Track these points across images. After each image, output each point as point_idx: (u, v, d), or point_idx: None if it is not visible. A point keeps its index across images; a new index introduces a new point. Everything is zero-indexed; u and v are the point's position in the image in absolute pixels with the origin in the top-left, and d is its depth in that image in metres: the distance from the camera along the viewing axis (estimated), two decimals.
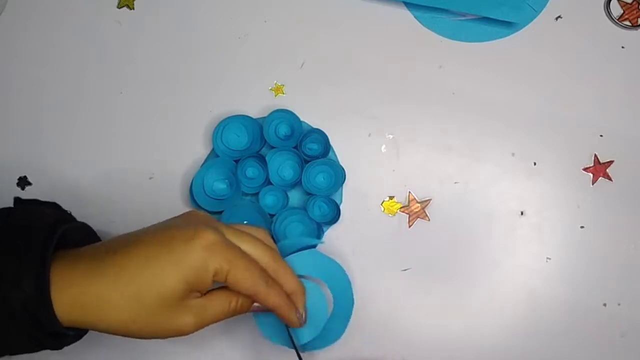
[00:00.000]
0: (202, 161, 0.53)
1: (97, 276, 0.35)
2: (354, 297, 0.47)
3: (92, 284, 0.35)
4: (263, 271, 0.40)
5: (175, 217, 0.41)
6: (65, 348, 0.38)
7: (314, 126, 0.53)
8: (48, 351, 0.37)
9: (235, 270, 0.38)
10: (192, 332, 0.38)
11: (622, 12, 0.55)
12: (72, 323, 0.35)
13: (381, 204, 0.52)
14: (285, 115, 0.52)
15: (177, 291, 0.36)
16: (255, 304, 0.41)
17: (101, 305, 0.35)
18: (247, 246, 0.40)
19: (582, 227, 0.52)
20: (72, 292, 0.35)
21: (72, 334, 0.37)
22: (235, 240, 0.39)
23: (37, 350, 0.37)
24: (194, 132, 0.54)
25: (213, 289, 0.39)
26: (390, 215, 0.52)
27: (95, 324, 0.36)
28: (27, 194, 0.53)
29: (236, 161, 0.51)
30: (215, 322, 0.39)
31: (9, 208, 0.39)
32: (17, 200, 0.41)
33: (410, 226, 0.52)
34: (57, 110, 0.55)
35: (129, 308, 0.35)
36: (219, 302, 0.39)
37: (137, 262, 0.36)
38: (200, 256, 0.36)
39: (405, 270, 0.51)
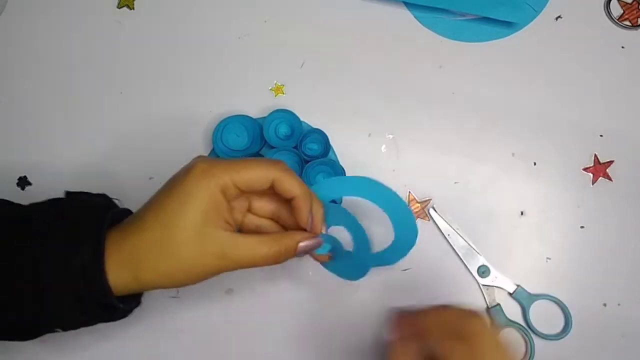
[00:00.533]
0: None
1: (132, 243, 0.38)
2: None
3: (132, 250, 0.38)
4: (270, 161, 0.41)
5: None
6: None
7: (314, 126, 0.53)
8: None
9: (239, 175, 0.39)
10: (229, 268, 0.39)
11: (622, 12, 0.55)
12: (125, 288, 0.38)
13: None
14: (285, 115, 0.52)
15: (198, 224, 0.38)
16: (302, 245, 0.41)
17: (142, 267, 0.38)
18: (246, 162, 0.41)
19: (582, 227, 0.52)
20: (119, 259, 0.38)
21: (122, 307, 0.40)
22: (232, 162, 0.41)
23: (86, 324, 0.40)
24: (194, 132, 0.54)
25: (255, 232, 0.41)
26: None
27: (143, 285, 0.39)
28: (27, 194, 0.53)
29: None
30: (253, 262, 0.39)
31: (61, 197, 0.42)
32: (67, 192, 0.43)
33: None
34: (57, 110, 0.55)
35: (161, 259, 0.38)
36: (254, 241, 0.39)
37: (154, 218, 0.39)
38: (199, 181, 0.38)
39: (405, 270, 0.51)
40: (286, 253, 0.40)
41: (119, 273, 0.38)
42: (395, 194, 0.45)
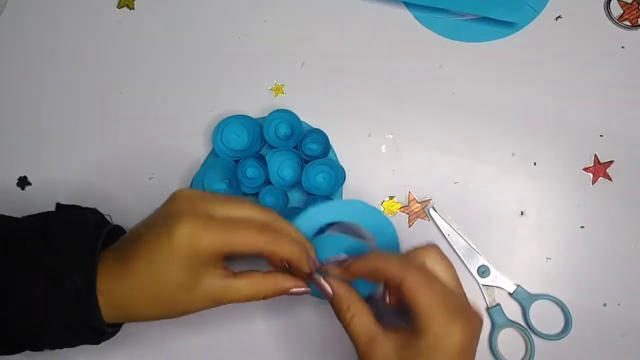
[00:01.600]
0: (202, 161, 0.53)
1: (123, 292, 0.38)
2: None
3: (119, 284, 0.38)
4: (263, 226, 0.39)
5: (158, 209, 0.41)
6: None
7: (314, 126, 0.53)
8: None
9: (230, 240, 0.37)
10: (222, 305, 0.39)
11: (622, 12, 0.55)
12: (114, 320, 0.39)
13: (381, 204, 0.52)
14: (285, 115, 0.52)
15: (184, 281, 0.37)
16: (294, 290, 0.41)
17: (129, 303, 0.38)
18: (237, 211, 0.39)
19: (582, 227, 0.52)
20: (109, 290, 0.38)
21: (110, 331, 0.40)
22: (223, 209, 0.39)
23: (76, 345, 0.40)
24: (194, 132, 0.54)
25: (247, 271, 0.40)
26: (390, 215, 0.52)
27: (128, 317, 0.39)
28: (27, 194, 0.53)
29: (236, 161, 0.51)
30: (245, 301, 0.40)
31: (52, 211, 0.42)
32: (58, 205, 0.43)
33: (410, 226, 0.52)
34: (57, 110, 0.55)
35: (151, 303, 0.38)
36: (246, 284, 0.39)
37: (140, 264, 0.38)
38: (187, 248, 0.37)
39: None
40: (274, 294, 0.40)
41: (109, 310, 0.38)
42: (369, 206, 0.46)
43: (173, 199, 0.40)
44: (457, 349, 0.36)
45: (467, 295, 0.41)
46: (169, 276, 0.37)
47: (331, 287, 0.40)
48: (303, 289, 0.41)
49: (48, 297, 0.37)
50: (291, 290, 0.41)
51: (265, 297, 0.40)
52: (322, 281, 0.40)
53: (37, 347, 0.40)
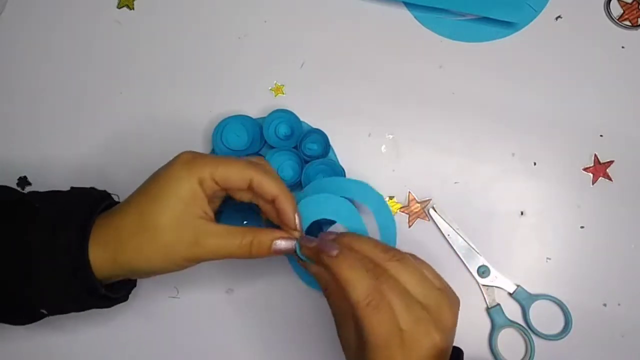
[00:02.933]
0: None
1: (115, 226, 0.40)
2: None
3: (114, 232, 0.40)
4: (250, 162, 0.41)
5: None
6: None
7: (314, 126, 0.53)
8: None
9: (218, 169, 0.39)
10: (203, 257, 0.40)
11: (622, 12, 0.55)
12: (105, 269, 0.39)
13: None
14: (285, 115, 0.52)
15: (176, 210, 0.39)
16: (275, 245, 0.40)
17: (121, 248, 0.39)
18: (227, 159, 0.41)
19: (582, 227, 0.52)
20: (102, 239, 0.39)
21: (103, 290, 0.40)
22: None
23: (73, 307, 0.41)
24: (194, 132, 0.54)
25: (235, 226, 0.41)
26: None
27: (121, 266, 0.40)
28: None
29: None
30: (229, 253, 0.40)
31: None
32: (72, 188, 0.44)
33: (410, 226, 0.52)
34: (57, 110, 0.55)
35: (142, 246, 0.39)
36: (228, 231, 0.40)
37: (137, 203, 0.40)
38: (180, 170, 0.39)
39: None
40: (259, 247, 0.40)
41: (99, 252, 0.39)
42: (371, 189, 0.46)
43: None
44: None
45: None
46: (161, 206, 0.39)
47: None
48: (289, 242, 0.41)
49: (44, 252, 0.38)
50: (275, 243, 0.40)
51: (247, 249, 0.40)
52: (307, 241, 0.40)
53: (37, 306, 0.40)
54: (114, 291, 0.42)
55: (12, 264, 0.39)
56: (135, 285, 0.45)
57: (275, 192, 0.41)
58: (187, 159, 0.40)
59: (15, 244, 0.39)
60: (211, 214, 0.41)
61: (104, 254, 0.39)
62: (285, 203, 0.41)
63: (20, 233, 0.39)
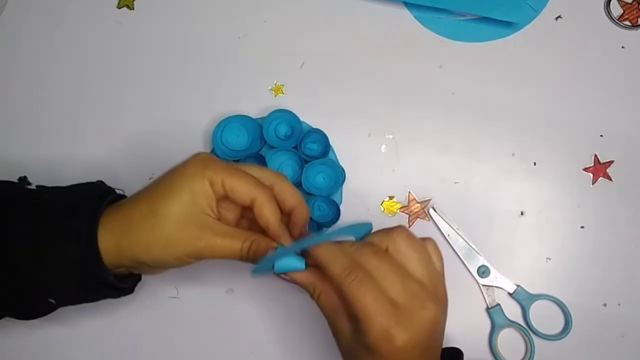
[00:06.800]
0: None
1: (123, 213, 0.41)
2: None
3: (121, 218, 0.40)
4: (261, 183, 0.41)
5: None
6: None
7: (314, 126, 0.53)
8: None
9: (230, 177, 0.40)
10: (204, 254, 0.40)
11: (622, 12, 0.55)
12: (109, 255, 0.40)
13: (381, 204, 0.52)
14: (285, 115, 0.52)
15: (184, 202, 0.39)
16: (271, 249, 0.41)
17: (126, 233, 0.40)
18: (245, 167, 0.42)
19: (582, 227, 0.52)
20: (109, 224, 0.40)
21: (112, 277, 0.41)
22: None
23: (83, 298, 0.42)
24: (194, 132, 0.54)
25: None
26: (390, 215, 0.52)
27: (123, 251, 0.40)
28: None
29: (236, 161, 0.51)
30: (230, 254, 0.40)
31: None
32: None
33: (410, 226, 0.52)
34: (57, 110, 0.55)
35: (146, 233, 0.39)
36: (233, 231, 0.41)
37: (148, 191, 0.41)
38: (196, 167, 0.40)
39: None
40: (255, 253, 0.40)
41: (106, 237, 0.39)
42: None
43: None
44: (400, 350, 0.36)
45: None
46: (171, 197, 0.39)
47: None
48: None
49: (54, 240, 0.39)
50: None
51: (246, 253, 0.40)
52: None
53: (47, 296, 0.41)
54: (121, 282, 0.42)
55: (22, 252, 0.39)
56: (140, 279, 0.46)
57: (270, 221, 0.40)
58: (203, 158, 0.41)
59: (24, 232, 0.39)
60: (216, 213, 0.41)
61: (111, 239, 0.40)
62: (274, 233, 0.41)
63: (30, 221, 0.40)
